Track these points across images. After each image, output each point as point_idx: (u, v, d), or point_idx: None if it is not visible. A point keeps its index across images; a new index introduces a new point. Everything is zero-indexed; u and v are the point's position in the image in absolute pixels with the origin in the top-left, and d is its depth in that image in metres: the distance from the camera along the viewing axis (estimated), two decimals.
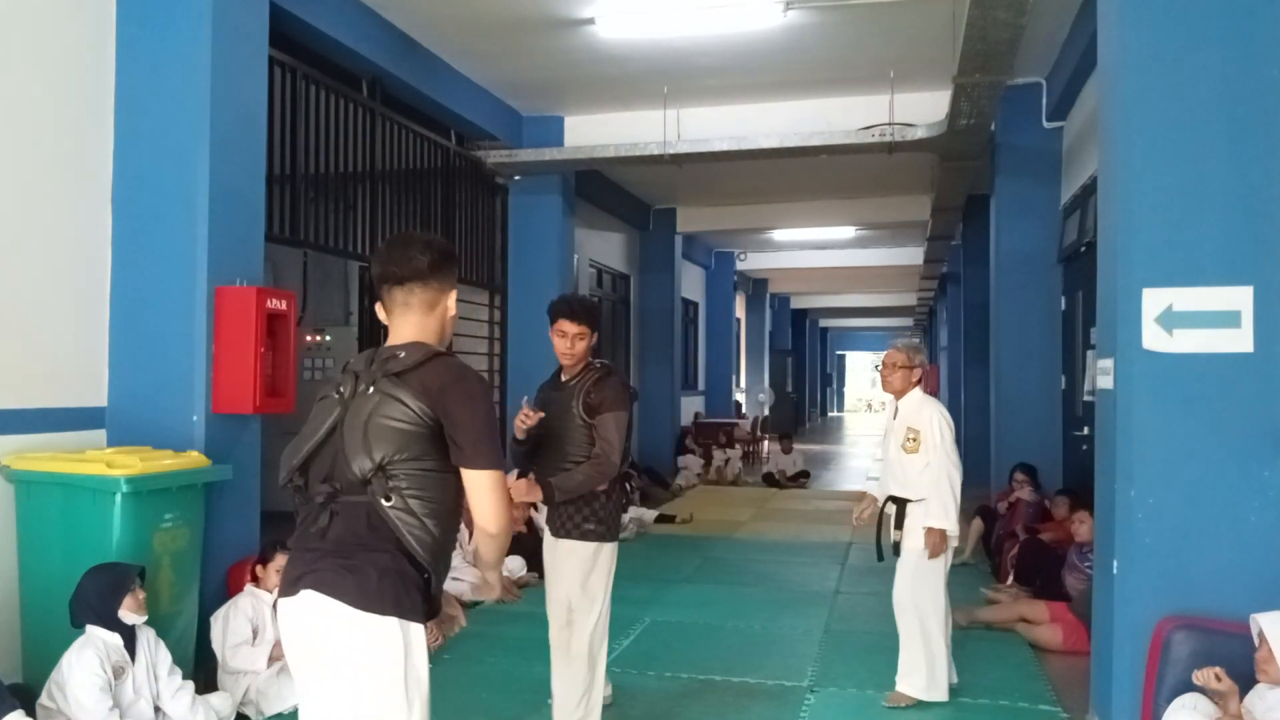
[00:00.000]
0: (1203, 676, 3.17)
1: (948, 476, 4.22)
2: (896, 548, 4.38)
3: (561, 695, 3.82)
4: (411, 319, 2.29)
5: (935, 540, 4.22)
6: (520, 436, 3.77)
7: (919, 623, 4.29)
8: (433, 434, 2.14)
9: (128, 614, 3.61)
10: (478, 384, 2.24)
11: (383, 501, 2.12)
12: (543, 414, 3.74)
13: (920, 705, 4.34)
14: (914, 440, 4.30)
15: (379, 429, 2.12)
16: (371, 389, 2.16)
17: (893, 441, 4.43)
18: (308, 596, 2.12)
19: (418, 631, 2.15)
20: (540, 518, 7.37)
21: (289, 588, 2.18)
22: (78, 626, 3.61)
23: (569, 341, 3.83)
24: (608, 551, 3.82)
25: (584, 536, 3.76)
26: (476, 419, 2.16)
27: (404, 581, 2.12)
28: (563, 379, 3.89)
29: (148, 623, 3.73)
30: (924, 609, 4.29)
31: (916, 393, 4.45)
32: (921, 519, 4.25)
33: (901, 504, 4.36)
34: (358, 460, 2.11)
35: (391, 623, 2.09)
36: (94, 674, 3.49)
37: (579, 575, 3.76)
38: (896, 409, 4.49)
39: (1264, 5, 3.56)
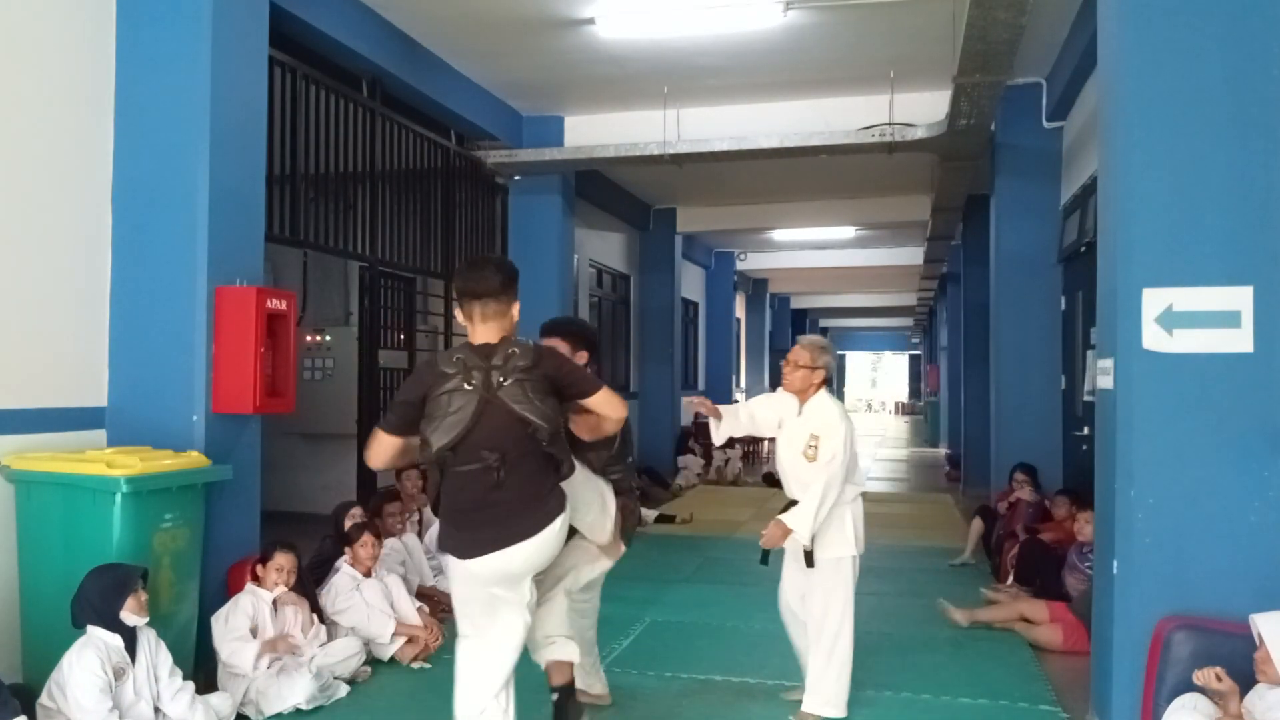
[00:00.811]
0: (1203, 676, 3.17)
1: (828, 488, 3.97)
2: (810, 558, 4.12)
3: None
4: (491, 324, 3.13)
5: (776, 533, 3.99)
6: None
7: (834, 637, 4.13)
8: (558, 397, 3.12)
9: (129, 615, 3.61)
10: (565, 357, 3.34)
11: (545, 447, 3.05)
12: None
13: (915, 706, 4.33)
14: (814, 447, 4.04)
15: (538, 405, 3.01)
16: (511, 381, 3.01)
17: (793, 445, 4.14)
18: (521, 547, 3.07)
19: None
20: None
21: (483, 548, 3.06)
22: (79, 627, 3.61)
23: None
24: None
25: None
26: (576, 373, 3.25)
27: (556, 492, 3.17)
28: None
29: (148, 623, 3.73)
30: (841, 621, 4.14)
31: (822, 396, 4.16)
32: (825, 529, 4.04)
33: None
34: (543, 418, 3.01)
35: (563, 515, 3.18)
36: (94, 675, 3.48)
37: (583, 563, 3.82)
38: (801, 408, 4.17)
39: (1265, 5, 3.56)
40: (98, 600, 3.58)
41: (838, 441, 4.02)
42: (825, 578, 4.13)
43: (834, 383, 4.31)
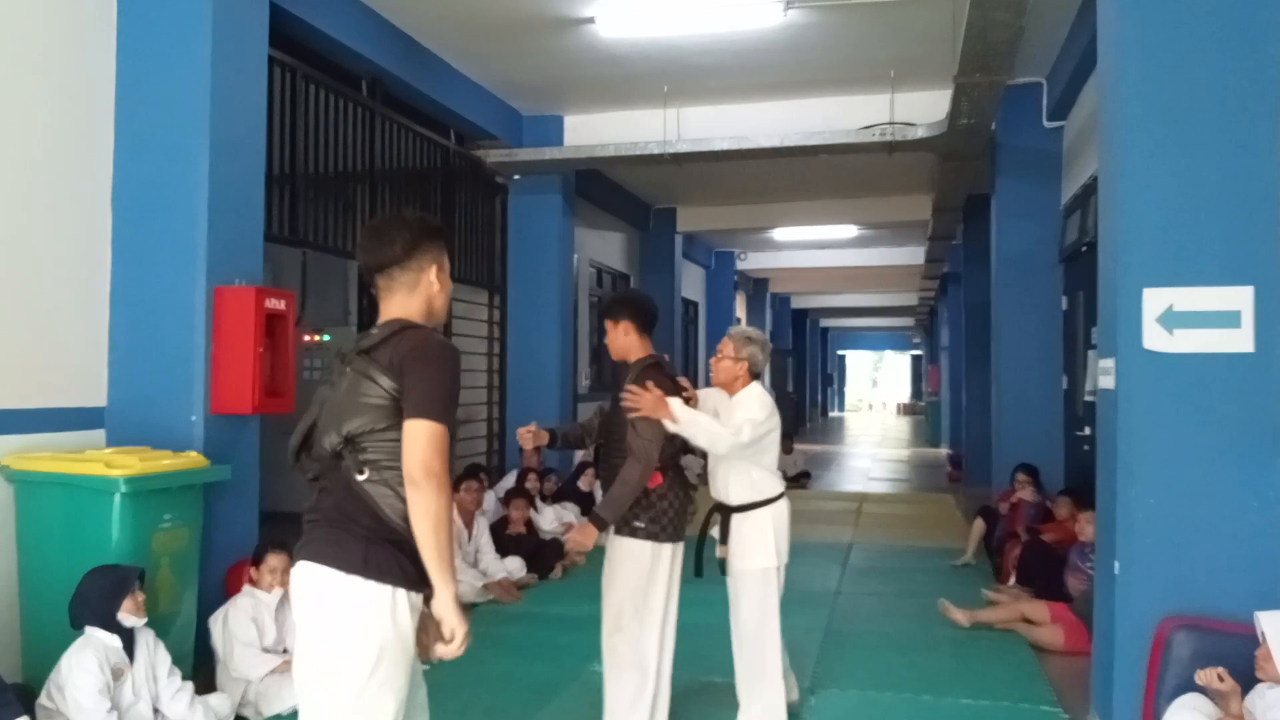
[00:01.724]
0: (1205, 676, 3.17)
1: (718, 433, 3.62)
2: (723, 566, 3.89)
3: (612, 707, 3.71)
4: (395, 300, 2.38)
5: (653, 402, 3.50)
6: (526, 449, 3.73)
7: (759, 651, 3.85)
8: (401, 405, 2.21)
9: (127, 616, 3.60)
10: (437, 348, 2.28)
11: (356, 476, 2.22)
12: (545, 435, 3.73)
13: (915, 706, 4.33)
14: None
15: (351, 405, 2.23)
16: (349, 369, 2.28)
17: None
18: (302, 564, 2.26)
19: (402, 596, 2.20)
20: (541, 519, 7.36)
21: (295, 554, 2.30)
22: (77, 628, 3.60)
23: (608, 338, 3.81)
24: (667, 553, 3.65)
25: (635, 534, 3.60)
26: (424, 378, 2.20)
27: (385, 548, 2.20)
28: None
29: (147, 624, 3.72)
30: (764, 635, 3.85)
31: (752, 387, 3.90)
32: (751, 534, 3.80)
33: (727, 514, 3.87)
34: (328, 436, 2.25)
35: (372, 586, 2.18)
36: (92, 676, 3.48)
37: (634, 578, 3.62)
38: (730, 401, 3.94)
39: (1264, 5, 3.55)
40: (95, 601, 3.58)
41: (746, 416, 3.71)
42: (747, 590, 3.87)
43: (766, 377, 4.01)
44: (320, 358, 9.29)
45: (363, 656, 2.16)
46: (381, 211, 7.21)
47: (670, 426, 3.57)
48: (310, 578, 2.23)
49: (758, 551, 3.83)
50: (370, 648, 2.16)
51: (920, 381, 34.42)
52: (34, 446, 4.17)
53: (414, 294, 2.38)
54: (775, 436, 3.86)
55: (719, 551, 3.93)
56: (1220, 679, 3.14)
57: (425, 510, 2.15)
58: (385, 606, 2.18)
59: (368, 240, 2.41)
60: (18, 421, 4.16)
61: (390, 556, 2.20)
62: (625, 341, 3.75)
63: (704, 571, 4.04)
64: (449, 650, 2.23)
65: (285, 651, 4.36)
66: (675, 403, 3.58)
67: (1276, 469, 3.50)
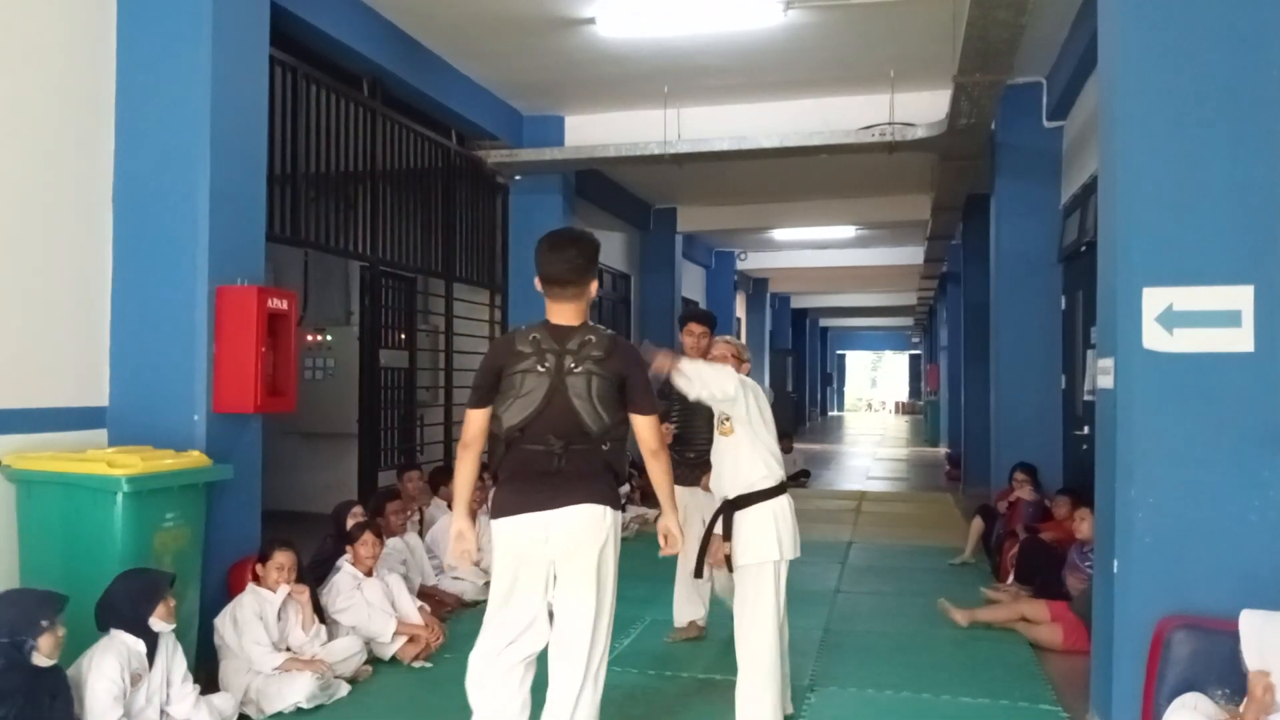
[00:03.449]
0: (1259, 680, 3.00)
1: (704, 373, 3.68)
2: (729, 562, 3.87)
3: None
4: (570, 305, 3.20)
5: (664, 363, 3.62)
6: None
7: (751, 651, 3.80)
8: (623, 397, 3.19)
9: (158, 622, 3.60)
10: (639, 355, 3.30)
11: (604, 447, 3.16)
12: None
13: (915, 706, 4.34)
14: (726, 420, 3.83)
15: (604, 400, 3.12)
16: (581, 369, 3.10)
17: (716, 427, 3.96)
18: (582, 507, 3.12)
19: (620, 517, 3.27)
20: None
21: (536, 504, 3.12)
22: (103, 629, 3.59)
23: (695, 339, 4.92)
24: None
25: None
26: (644, 382, 3.23)
27: (615, 489, 3.24)
28: None
29: None
30: (759, 633, 3.79)
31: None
32: (751, 527, 3.82)
33: (730, 510, 3.87)
34: (597, 423, 3.11)
35: (617, 514, 3.22)
36: (111, 681, 3.46)
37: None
38: None
39: (1264, 5, 3.56)
40: (127, 605, 3.56)
41: (741, 400, 3.76)
42: (745, 586, 3.87)
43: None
44: (321, 357, 9.30)
45: (616, 559, 3.24)
46: (383, 211, 7.24)
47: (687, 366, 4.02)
48: (593, 514, 3.13)
49: (756, 545, 3.84)
50: (615, 552, 3.23)
51: (919, 381, 34.42)
52: (35, 446, 4.17)
53: (583, 300, 3.21)
54: (741, 414, 3.79)
55: (722, 549, 3.91)
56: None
57: (663, 469, 3.32)
58: (617, 525, 3.23)
59: (554, 253, 3.19)
60: (19, 421, 4.16)
61: (616, 494, 3.23)
62: (708, 344, 4.64)
63: (703, 573, 4.23)
64: (671, 549, 3.41)
65: (288, 650, 4.37)
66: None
67: (1277, 469, 3.51)
